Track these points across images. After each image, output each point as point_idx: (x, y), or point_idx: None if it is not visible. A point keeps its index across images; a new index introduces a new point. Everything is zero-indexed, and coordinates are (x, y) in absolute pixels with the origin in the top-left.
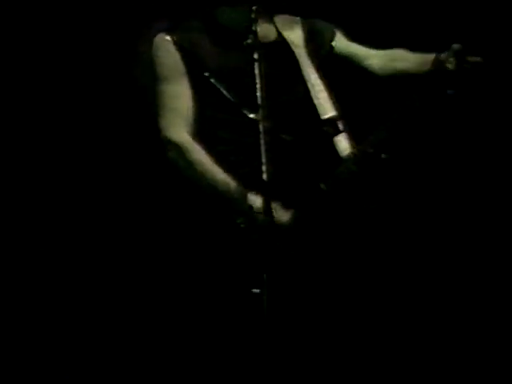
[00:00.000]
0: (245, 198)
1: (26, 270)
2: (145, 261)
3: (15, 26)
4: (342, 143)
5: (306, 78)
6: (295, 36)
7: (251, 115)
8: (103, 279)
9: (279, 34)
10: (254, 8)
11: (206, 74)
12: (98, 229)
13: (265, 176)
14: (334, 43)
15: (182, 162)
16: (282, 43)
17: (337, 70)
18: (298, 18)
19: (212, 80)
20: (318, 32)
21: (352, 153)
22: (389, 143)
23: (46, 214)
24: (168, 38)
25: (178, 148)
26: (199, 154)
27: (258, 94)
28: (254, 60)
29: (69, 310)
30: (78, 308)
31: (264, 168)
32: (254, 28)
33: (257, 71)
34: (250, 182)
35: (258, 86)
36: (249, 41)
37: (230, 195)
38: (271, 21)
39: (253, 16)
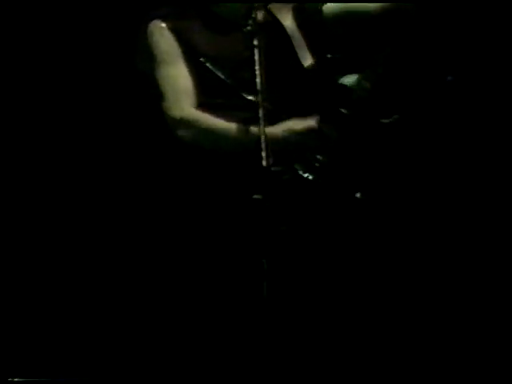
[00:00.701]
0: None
1: (26, 270)
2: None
3: (13, 22)
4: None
5: (302, 60)
6: (290, 21)
7: (250, 97)
8: (103, 270)
9: (275, 19)
10: None
11: (202, 60)
12: (102, 216)
13: (264, 163)
14: (323, 7)
15: (193, 134)
16: (278, 29)
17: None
18: (290, 4)
19: (208, 65)
20: (308, 7)
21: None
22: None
23: (45, 214)
24: (163, 24)
25: (186, 122)
26: (209, 119)
27: (258, 79)
28: (254, 46)
29: (70, 309)
30: (79, 306)
31: (263, 154)
32: (253, 15)
33: (256, 57)
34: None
35: (257, 71)
36: (248, 28)
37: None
38: (266, 8)
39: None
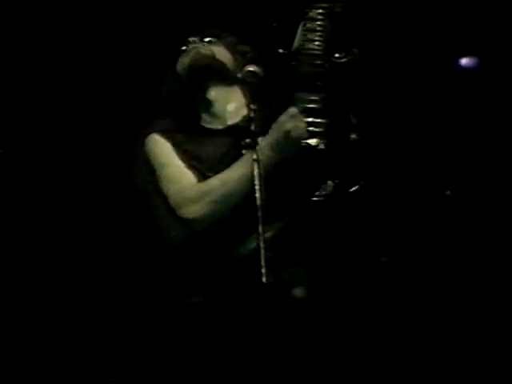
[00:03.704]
0: None
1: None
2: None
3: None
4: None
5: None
6: None
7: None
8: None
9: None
10: (251, 106)
11: (193, 163)
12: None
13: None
14: None
15: (210, 213)
16: None
17: None
18: None
19: (200, 167)
20: None
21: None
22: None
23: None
24: (157, 135)
25: (197, 218)
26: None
27: (258, 194)
28: (254, 160)
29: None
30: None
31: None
32: (252, 128)
33: (256, 172)
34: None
35: (257, 186)
36: (247, 141)
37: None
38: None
39: (251, 115)
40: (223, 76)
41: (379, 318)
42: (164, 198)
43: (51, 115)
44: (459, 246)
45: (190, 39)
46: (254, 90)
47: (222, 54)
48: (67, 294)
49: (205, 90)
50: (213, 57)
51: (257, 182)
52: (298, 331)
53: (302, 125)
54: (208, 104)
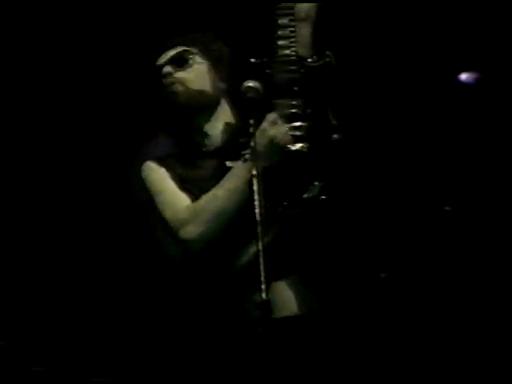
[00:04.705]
0: None
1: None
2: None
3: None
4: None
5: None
6: None
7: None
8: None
9: None
10: (251, 122)
11: (187, 186)
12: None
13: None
14: None
15: (205, 232)
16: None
17: None
18: None
19: (194, 190)
20: None
21: None
22: None
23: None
24: (152, 163)
25: (193, 239)
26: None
27: (257, 210)
28: (253, 176)
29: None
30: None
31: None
32: (252, 144)
33: (255, 187)
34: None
35: (256, 201)
36: (246, 156)
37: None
38: None
39: (251, 130)
40: (206, 101)
41: (376, 327)
42: (162, 222)
43: (50, 127)
44: (451, 251)
45: (162, 64)
46: (253, 105)
47: (198, 78)
48: (72, 302)
49: (191, 116)
50: (190, 93)
51: (256, 197)
52: (297, 344)
53: (284, 129)
54: (197, 127)
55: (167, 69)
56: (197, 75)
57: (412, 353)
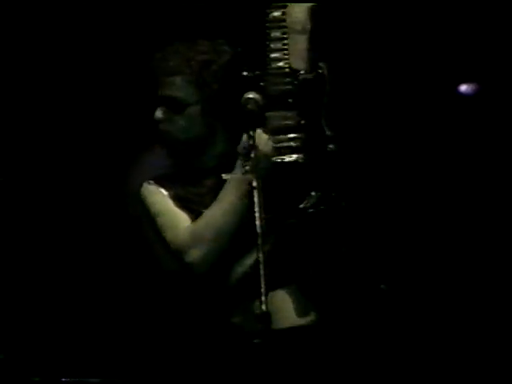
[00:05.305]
0: None
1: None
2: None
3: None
4: None
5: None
6: None
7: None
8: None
9: None
10: (251, 133)
11: (188, 205)
12: None
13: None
14: None
15: (209, 253)
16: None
17: None
18: None
19: (194, 209)
20: None
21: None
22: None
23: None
24: (151, 185)
25: (197, 262)
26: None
27: (258, 222)
28: (253, 188)
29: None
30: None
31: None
32: (252, 155)
33: (256, 200)
34: None
35: (257, 213)
36: (247, 168)
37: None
38: None
39: (251, 142)
40: (201, 139)
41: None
42: (163, 243)
43: (49, 133)
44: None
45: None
46: (253, 117)
47: (190, 124)
48: (70, 311)
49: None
50: (183, 138)
51: (257, 209)
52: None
53: (270, 142)
54: (195, 148)
55: (159, 114)
56: (189, 121)
57: (412, 364)
